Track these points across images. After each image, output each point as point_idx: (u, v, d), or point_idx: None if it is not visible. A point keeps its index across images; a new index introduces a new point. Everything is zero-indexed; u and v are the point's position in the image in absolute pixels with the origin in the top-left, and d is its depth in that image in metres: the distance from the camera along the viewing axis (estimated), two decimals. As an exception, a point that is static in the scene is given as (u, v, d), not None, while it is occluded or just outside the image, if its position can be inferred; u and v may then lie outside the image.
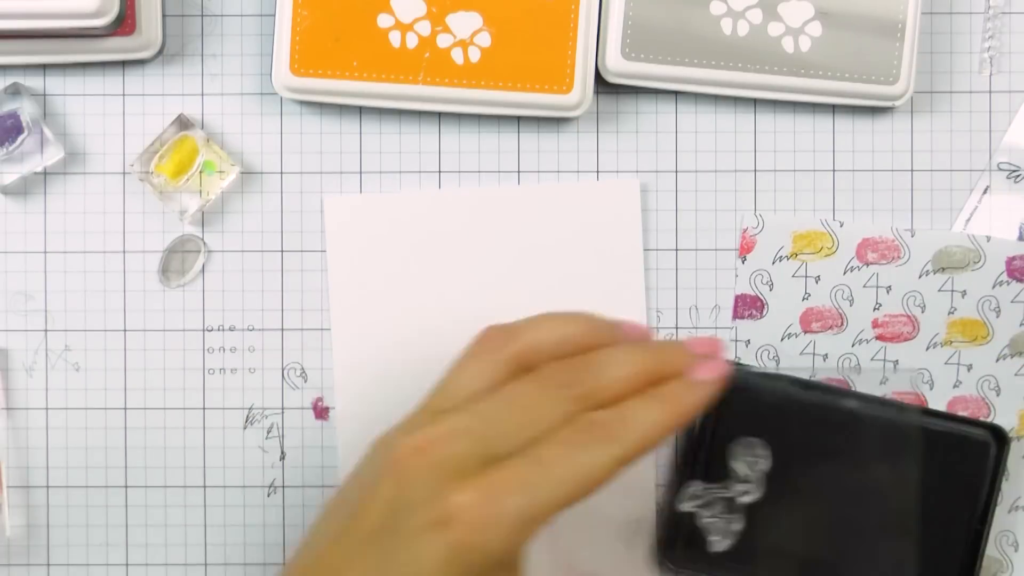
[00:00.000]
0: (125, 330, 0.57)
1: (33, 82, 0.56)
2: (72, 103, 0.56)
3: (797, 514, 0.55)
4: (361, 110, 0.57)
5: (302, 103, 0.56)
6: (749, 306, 0.57)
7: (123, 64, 0.56)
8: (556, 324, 0.46)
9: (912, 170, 0.57)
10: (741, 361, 0.57)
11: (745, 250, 0.57)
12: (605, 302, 0.56)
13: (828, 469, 0.55)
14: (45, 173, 0.56)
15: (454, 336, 0.56)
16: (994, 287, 0.57)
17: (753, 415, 0.55)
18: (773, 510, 0.55)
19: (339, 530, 0.44)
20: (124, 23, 0.54)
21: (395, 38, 0.54)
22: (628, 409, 0.43)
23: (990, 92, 0.58)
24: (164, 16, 0.56)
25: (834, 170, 0.57)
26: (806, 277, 0.57)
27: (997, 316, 0.57)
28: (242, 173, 0.56)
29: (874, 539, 0.56)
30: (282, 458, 0.57)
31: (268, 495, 0.57)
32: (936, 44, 0.57)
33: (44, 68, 0.56)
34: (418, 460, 0.42)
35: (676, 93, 0.57)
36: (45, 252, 0.57)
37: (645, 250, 0.57)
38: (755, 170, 0.57)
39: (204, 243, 0.56)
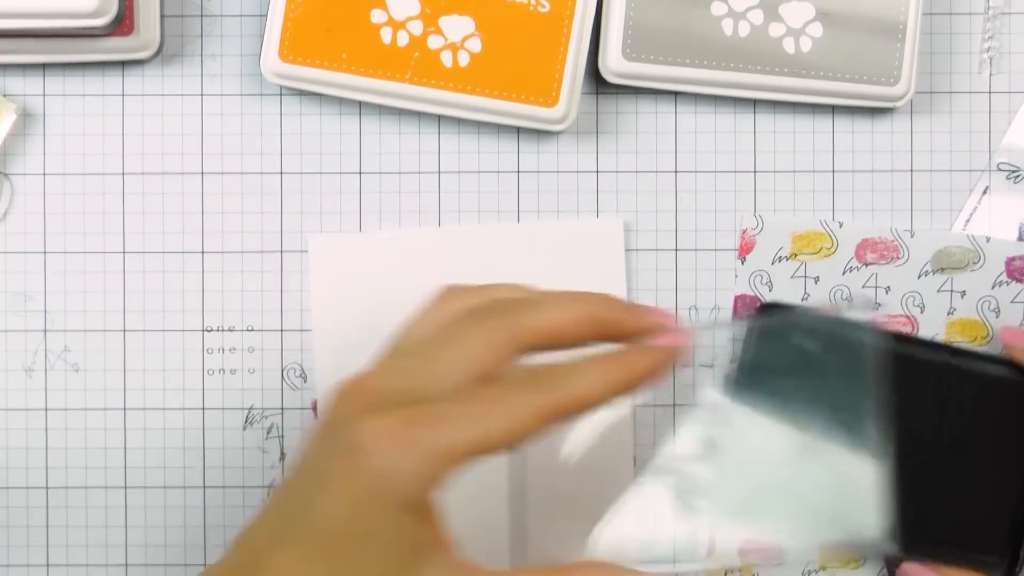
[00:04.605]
0: (125, 330, 0.57)
1: (33, 82, 0.56)
2: (72, 103, 0.56)
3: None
4: (361, 110, 0.57)
5: (302, 101, 0.56)
6: (749, 306, 0.57)
7: (122, 64, 0.56)
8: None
9: (912, 170, 0.57)
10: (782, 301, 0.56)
11: (745, 250, 0.57)
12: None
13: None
14: (45, 173, 0.56)
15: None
16: (994, 287, 0.57)
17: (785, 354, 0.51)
18: None
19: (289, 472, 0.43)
20: (122, 23, 0.54)
21: (386, 34, 0.54)
22: (573, 363, 0.41)
23: (990, 92, 0.58)
24: (163, 16, 0.56)
25: (834, 171, 0.57)
26: (805, 277, 0.57)
27: (997, 316, 0.57)
28: (243, 174, 0.56)
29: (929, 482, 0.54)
30: (282, 458, 0.57)
31: (268, 495, 0.57)
32: (936, 44, 0.57)
33: (44, 68, 0.56)
34: (348, 394, 0.41)
35: (676, 94, 0.57)
36: (45, 252, 0.56)
37: (645, 250, 0.57)
38: (755, 171, 0.57)
39: (7, 177, 0.55)
